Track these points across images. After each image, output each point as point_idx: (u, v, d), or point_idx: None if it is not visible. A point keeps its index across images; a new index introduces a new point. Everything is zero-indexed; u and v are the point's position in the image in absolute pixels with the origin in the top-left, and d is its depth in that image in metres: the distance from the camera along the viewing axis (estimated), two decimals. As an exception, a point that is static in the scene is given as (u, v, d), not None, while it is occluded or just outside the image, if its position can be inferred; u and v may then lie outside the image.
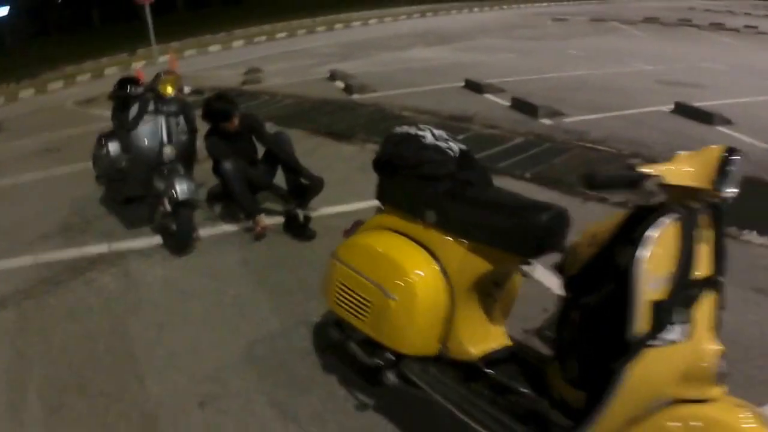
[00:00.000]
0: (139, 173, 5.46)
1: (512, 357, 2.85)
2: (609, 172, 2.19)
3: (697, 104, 9.39)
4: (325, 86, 12.57)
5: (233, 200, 5.59)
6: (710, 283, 2.14)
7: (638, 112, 9.49)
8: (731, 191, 2.08)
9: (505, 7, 37.38)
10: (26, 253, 5.51)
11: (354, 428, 3.01)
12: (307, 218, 5.44)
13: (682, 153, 2.20)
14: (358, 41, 21.34)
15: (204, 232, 5.64)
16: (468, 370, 2.77)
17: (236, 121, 5.62)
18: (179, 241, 5.23)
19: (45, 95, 16.40)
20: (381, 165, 3.02)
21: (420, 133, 2.92)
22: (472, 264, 2.69)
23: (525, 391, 2.64)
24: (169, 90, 5.36)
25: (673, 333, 2.07)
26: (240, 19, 30.48)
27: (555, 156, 7.32)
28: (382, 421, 3.05)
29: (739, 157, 2.09)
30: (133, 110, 5.44)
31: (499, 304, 2.91)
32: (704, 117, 8.92)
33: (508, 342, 2.91)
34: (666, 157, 2.23)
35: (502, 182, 4.77)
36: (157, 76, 5.46)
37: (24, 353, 3.92)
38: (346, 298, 2.96)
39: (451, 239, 2.72)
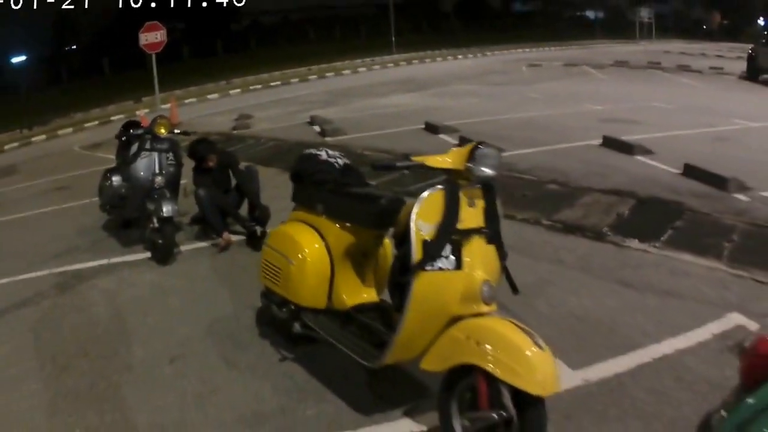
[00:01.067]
0: (135, 198, 6.72)
1: (377, 307, 3.99)
2: (390, 160, 3.42)
3: (625, 138, 10.46)
4: (305, 130, 13.83)
5: (206, 221, 6.87)
6: (478, 233, 3.21)
7: (569, 146, 10.64)
8: (484, 171, 3.17)
9: (488, 53, 38.79)
10: (42, 268, 6.72)
11: (277, 372, 4.18)
12: (263, 233, 6.64)
13: (454, 148, 3.40)
14: (344, 88, 22.66)
15: (184, 247, 6.85)
16: (345, 317, 3.95)
17: (213, 160, 6.93)
18: (163, 252, 6.46)
19: (55, 140, 17.69)
20: (293, 176, 4.32)
21: (318, 152, 4.21)
22: (344, 238, 3.91)
23: (381, 328, 3.75)
24: (163, 131, 6.71)
25: (442, 263, 3.13)
26: (240, 68, 31.85)
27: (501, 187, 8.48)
28: (296, 366, 4.21)
29: (485, 147, 3.20)
30: (134, 148, 6.78)
31: (370, 270, 4.09)
32: (626, 148, 10.06)
33: (376, 298, 4.09)
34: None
35: None
36: (154, 120, 6.79)
37: (41, 336, 5.12)
38: (268, 270, 4.21)
39: (331, 223, 3.96)
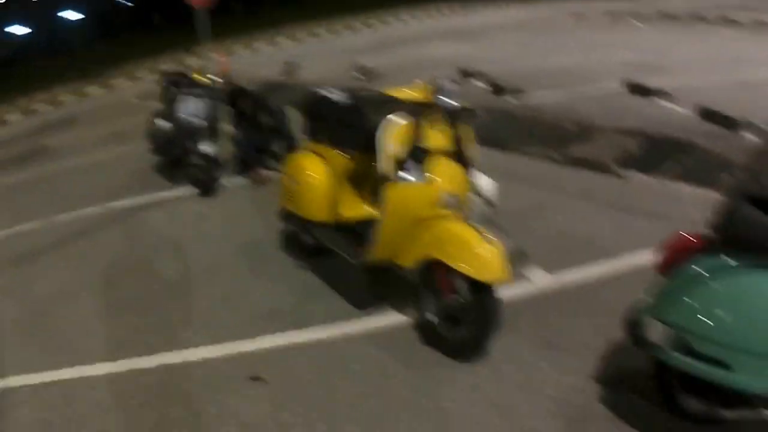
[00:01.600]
0: (178, 139, 7.47)
1: (372, 219, 4.62)
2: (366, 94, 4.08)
3: (646, 83, 10.88)
4: (346, 78, 14.43)
5: (245, 160, 7.60)
6: (444, 154, 3.88)
7: (592, 88, 11.04)
8: (446, 102, 3.82)
9: (540, 4, 38.66)
10: (97, 204, 7.59)
11: (293, 278, 4.92)
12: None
13: (420, 83, 4.03)
14: (393, 37, 23.07)
15: (225, 183, 7.59)
16: (344, 228, 4.61)
17: (247, 103, 7.61)
18: (205, 186, 7.23)
19: (111, 91, 18.54)
20: (303, 113, 5.00)
21: (325, 93, 4.84)
22: (344, 163, 4.60)
23: (369, 233, 4.32)
24: (200, 78, 7.42)
25: (411, 176, 3.80)
26: (289, 19, 32.34)
27: (503, 124, 8.99)
28: (309, 273, 4.95)
29: (448, 84, 3.85)
30: (178, 92, 7.52)
31: (367, 189, 4.70)
32: (645, 92, 10.44)
33: (373, 212, 4.69)
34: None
35: None
36: (191, 69, 7.54)
37: (95, 259, 5.99)
38: (284, 192, 4.93)
39: (332, 151, 4.64)
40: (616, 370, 3.53)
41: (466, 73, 12.96)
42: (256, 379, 3.78)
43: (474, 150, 4.11)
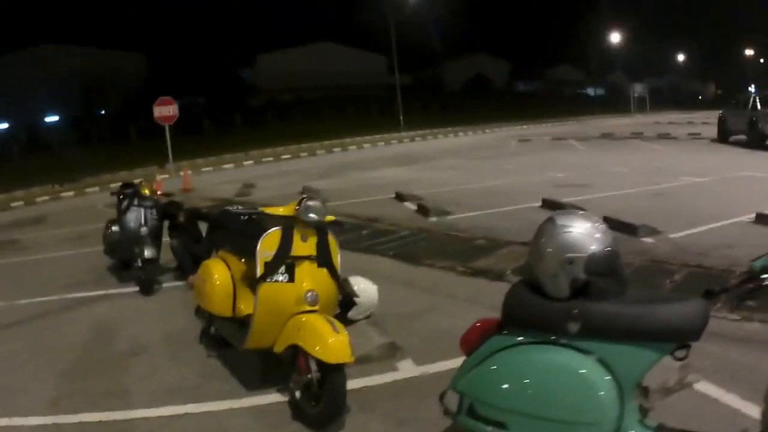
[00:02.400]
0: (125, 244, 8.25)
1: None
2: (244, 210, 4.95)
3: (565, 200, 11.77)
4: (294, 198, 15.34)
5: (181, 266, 8.39)
6: (309, 259, 4.65)
7: (514, 208, 12.05)
8: (309, 216, 4.62)
9: (488, 131, 40.54)
10: (54, 294, 8.27)
11: (203, 363, 5.62)
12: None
13: (292, 202, 4.86)
14: (345, 162, 24.36)
15: (165, 284, 8.32)
16: (241, 321, 5.27)
17: (182, 216, 8.43)
18: (146, 286, 7.97)
19: (83, 197, 19.34)
20: (210, 225, 5.83)
21: (231, 209, 5.64)
22: (242, 266, 5.35)
23: None
24: (146, 191, 8.29)
25: (278, 277, 4.56)
26: (256, 141, 33.61)
27: (421, 242, 9.83)
28: (215, 360, 5.66)
29: (309, 201, 4.68)
30: (126, 203, 8.34)
31: None
32: (560, 207, 11.33)
33: None
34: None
35: (373, 258, 8.59)
36: (140, 183, 8.42)
37: (46, 337, 6.64)
38: (196, 291, 5.69)
39: (234, 257, 5.44)
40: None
41: (400, 197, 13.97)
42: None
43: (337, 254, 4.90)
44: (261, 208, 5.14)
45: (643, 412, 3.20)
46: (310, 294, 4.56)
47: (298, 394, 4.54)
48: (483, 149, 27.40)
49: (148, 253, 7.90)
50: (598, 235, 3.12)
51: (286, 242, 4.63)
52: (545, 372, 3.10)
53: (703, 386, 4.32)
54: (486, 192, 14.27)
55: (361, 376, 5.09)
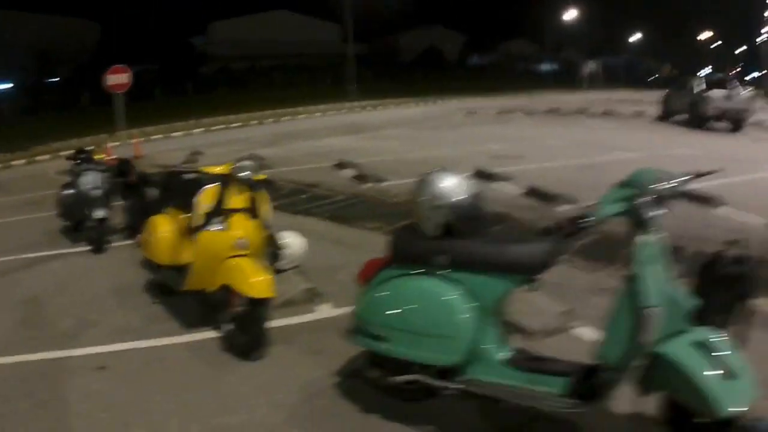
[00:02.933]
0: (79, 205, 8.88)
1: None
2: (185, 169, 5.73)
3: (498, 170, 12.70)
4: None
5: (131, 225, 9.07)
6: (242, 211, 5.41)
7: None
8: (241, 175, 5.40)
9: (439, 102, 41.01)
10: (10, 255, 8.87)
11: (148, 308, 6.36)
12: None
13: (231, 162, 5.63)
14: (293, 131, 24.88)
15: (116, 243, 8.98)
16: (181, 268, 5.95)
17: (134, 175, 9.11)
18: (97, 244, 8.65)
19: (34, 165, 19.67)
20: (162, 186, 6.56)
21: (177, 169, 6.39)
22: (184, 221, 6.11)
23: None
24: (99, 157, 8.94)
25: (215, 226, 5.35)
26: (207, 109, 33.67)
27: (355, 206, 10.72)
28: (160, 305, 6.39)
29: (243, 161, 5.46)
30: (80, 167, 8.98)
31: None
32: (488, 177, 12.24)
33: None
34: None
35: (308, 220, 9.35)
36: (92, 149, 9.08)
37: (2, 294, 7.32)
38: (143, 243, 6.43)
39: (177, 212, 6.19)
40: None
41: (341, 165, 14.73)
42: (102, 368, 5.20)
43: (267, 208, 5.70)
44: (201, 168, 5.89)
45: (503, 338, 4.05)
46: (241, 241, 5.35)
47: (228, 327, 5.34)
48: (430, 120, 28.11)
49: (100, 213, 8.57)
50: (462, 188, 3.98)
51: (222, 196, 5.43)
52: (419, 297, 3.95)
53: (583, 330, 5.19)
54: (424, 161, 14.95)
55: (285, 317, 5.93)
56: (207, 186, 5.55)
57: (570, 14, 69.84)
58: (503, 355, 3.97)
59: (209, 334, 5.70)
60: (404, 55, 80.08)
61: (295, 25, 72.57)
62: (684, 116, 25.01)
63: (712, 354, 3.26)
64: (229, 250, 5.35)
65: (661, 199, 3.44)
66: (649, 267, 3.39)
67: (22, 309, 6.71)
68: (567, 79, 64.73)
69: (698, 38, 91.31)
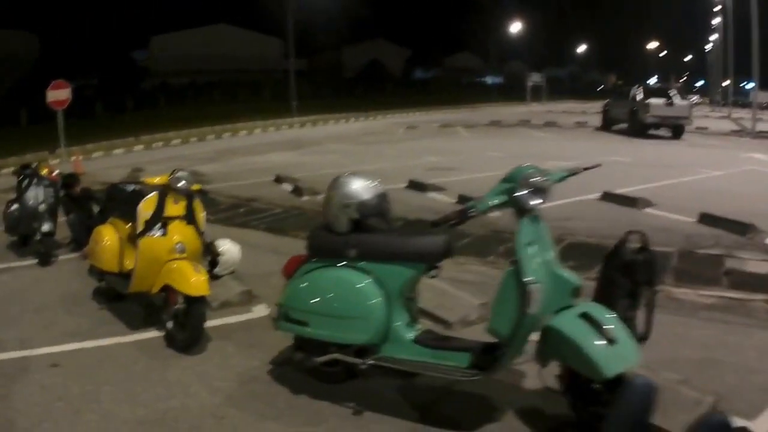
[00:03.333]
0: (25, 220, 9.33)
1: None
2: (128, 182, 6.38)
3: (431, 181, 13.57)
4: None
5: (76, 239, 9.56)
6: (179, 219, 6.09)
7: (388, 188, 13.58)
8: (177, 185, 6.06)
9: (380, 117, 41.81)
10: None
11: (95, 313, 6.89)
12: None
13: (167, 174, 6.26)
14: (233, 147, 25.34)
15: (62, 256, 9.46)
16: (125, 274, 6.58)
17: (78, 186, 9.63)
18: (44, 258, 9.10)
19: None
20: (105, 198, 7.14)
21: (119, 184, 7.00)
22: (126, 230, 6.69)
23: None
24: (44, 172, 9.42)
25: (155, 232, 6.02)
26: (147, 126, 33.55)
27: (291, 218, 11.41)
28: (107, 311, 6.95)
29: (178, 172, 6.14)
30: (26, 183, 9.44)
31: None
32: (422, 188, 13.12)
33: None
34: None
35: (246, 231, 10.01)
36: (38, 165, 9.55)
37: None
38: (90, 252, 7.00)
39: (121, 222, 6.78)
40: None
41: (279, 179, 15.36)
42: (55, 365, 5.75)
43: (202, 216, 6.42)
44: (141, 179, 6.51)
45: (413, 320, 4.78)
46: (179, 245, 6.01)
47: (169, 324, 5.97)
48: (370, 135, 28.92)
49: (45, 227, 9.04)
50: (368, 189, 4.78)
51: (161, 205, 6.06)
52: (335, 285, 4.70)
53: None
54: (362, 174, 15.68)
55: (223, 317, 6.61)
56: (147, 196, 6.15)
57: (514, 27, 71.09)
58: (412, 334, 4.61)
59: (153, 333, 6.30)
60: (347, 70, 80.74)
61: (237, 39, 72.38)
62: (624, 125, 26.33)
63: (597, 324, 3.91)
64: (169, 253, 6.00)
65: (538, 191, 4.18)
66: (528, 248, 4.13)
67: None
68: (511, 92, 66.22)
69: (645, 47, 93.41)
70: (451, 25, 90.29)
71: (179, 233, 6.10)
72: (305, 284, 4.76)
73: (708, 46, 67.69)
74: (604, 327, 3.88)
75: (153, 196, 6.16)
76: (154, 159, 22.22)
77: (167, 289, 5.93)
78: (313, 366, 4.91)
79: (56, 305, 7.39)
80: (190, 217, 6.22)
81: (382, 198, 4.81)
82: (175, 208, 6.14)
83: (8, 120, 38.61)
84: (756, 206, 11.46)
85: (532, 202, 4.17)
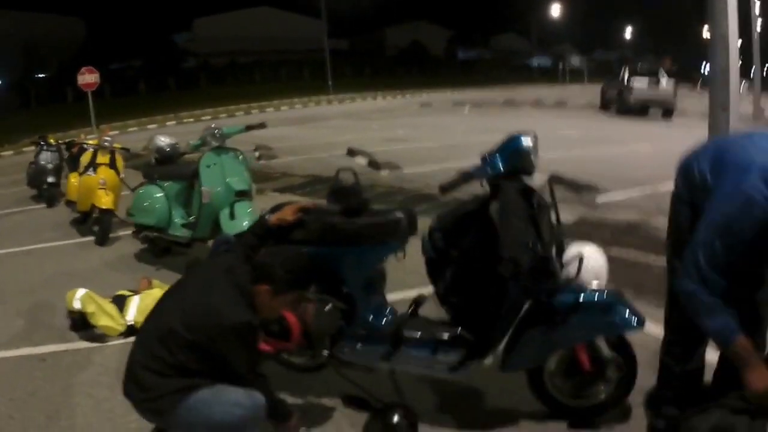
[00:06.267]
0: (39, 174, 13.02)
1: None
2: None
3: (372, 149, 15.80)
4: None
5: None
6: (105, 165, 9.72)
7: (326, 155, 16.58)
8: (106, 142, 9.84)
9: (408, 95, 44.08)
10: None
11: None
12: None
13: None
14: (241, 123, 28.46)
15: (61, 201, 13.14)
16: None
17: (74, 151, 13.17)
18: (49, 202, 12.82)
19: (21, 155, 23.50)
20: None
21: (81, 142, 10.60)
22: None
23: None
24: (51, 141, 13.12)
25: (89, 173, 9.66)
26: (187, 104, 37.51)
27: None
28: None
29: (106, 136, 9.81)
30: (39, 148, 13.17)
31: None
32: (354, 153, 15.90)
33: None
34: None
35: None
36: (45, 135, 13.24)
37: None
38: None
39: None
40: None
41: (256, 147, 18.60)
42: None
43: (122, 164, 10.04)
44: (86, 140, 10.22)
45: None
46: (101, 180, 9.51)
47: (94, 228, 9.66)
48: (384, 112, 31.43)
49: (50, 179, 12.75)
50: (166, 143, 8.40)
51: (93, 156, 9.69)
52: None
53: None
54: (330, 145, 18.17)
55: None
56: (86, 150, 9.94)
57: (561, 9, 70.94)
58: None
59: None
60: (389, 51, 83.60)
61: (277, 21, 76.20)
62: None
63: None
64: (96, 186, 9.52)
65: (220, 137, 7.77)
66: (206, 168, 7.45)
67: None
68: (553, 73, 67.18)
69: (701, 34, 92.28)
70: (498, 5, 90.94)
71: (103, 174, 9.64)
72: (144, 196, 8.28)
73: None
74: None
75: (90, 150, 9.83)
76: (186, 131, 25.12)
77: (92, 206, 9.59)
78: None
79: (49, 227, 10.99)
80: (112, 164, 9.79)
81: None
82: (102, 158, 9.76)
83: (56, 98, 42.72)
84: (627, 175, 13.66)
85: (214, 143, 7.69)
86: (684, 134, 21.72)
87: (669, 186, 3.78)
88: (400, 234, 4.26)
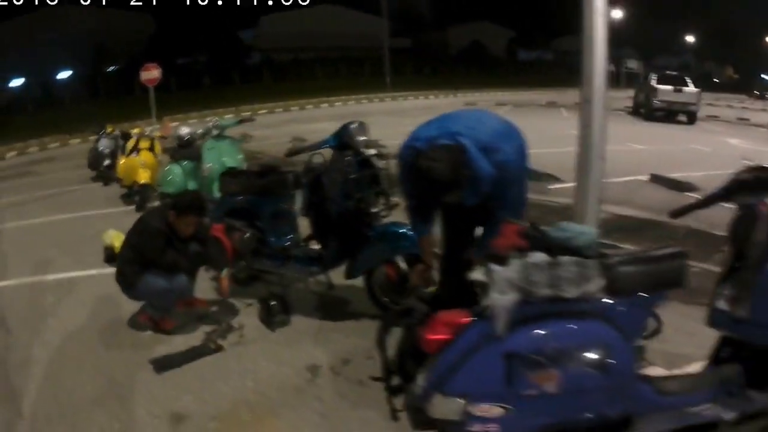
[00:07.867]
0: (97, 158, 15.93)
1: None
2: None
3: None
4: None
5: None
6: (146, 150, 12.66)
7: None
8: (149, 133, 12.75)
9: (459, 95, 45.28)
10: (60, 187, 16.19)
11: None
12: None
13: None
14: (298, 117, 30.81)
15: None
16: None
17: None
18: (105, 179, 15.74)
19: (87, 143, 26.37)
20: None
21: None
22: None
23: None
24: (109, 130, 16.09)
25: (133, 155, 12.62)
26: (249, 98, 40.19)
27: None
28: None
29: (151, 127, 12.61)
30: (98, 136, 16.17)
31: None
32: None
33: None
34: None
35: None
36: (104, 124, 16.24)
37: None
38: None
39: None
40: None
41: (293, 139, 21.21)
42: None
43: (160, 149, 12.89)
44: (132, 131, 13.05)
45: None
46: (143, 161, 12.36)
47: (136, 198, 12.42)
48: (427, 109, 31.61)
49: (106, 162, 15.58)
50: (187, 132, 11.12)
51: (137, 142, 12.53)
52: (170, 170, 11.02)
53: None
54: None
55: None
56: (132, 137, 12.72)
57: (622, 12, 71.17)
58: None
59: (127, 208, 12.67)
60: (451, 50, 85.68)
61: (342, 18, 78.91)
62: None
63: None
64: (138, 165, 12.38)
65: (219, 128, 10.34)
66: (209, 151, 10.19)
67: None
68: (613, 77, 67.71)
69: (763, 42, 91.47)
70: (561, 7, 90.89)
71: (144, 156, 12.50)
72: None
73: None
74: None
75: (134, 138, 12.68)
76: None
77: (135, 182, 12.40)
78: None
79: (102, 200, 13.88)
80: (152, 149, 12.63)
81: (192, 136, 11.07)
82: (144, 144, 12.61)
83: (125, 90, 46.08)
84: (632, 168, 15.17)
85: (215, 132, 10.28)
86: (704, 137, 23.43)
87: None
88: (287, 188, 6.86)
